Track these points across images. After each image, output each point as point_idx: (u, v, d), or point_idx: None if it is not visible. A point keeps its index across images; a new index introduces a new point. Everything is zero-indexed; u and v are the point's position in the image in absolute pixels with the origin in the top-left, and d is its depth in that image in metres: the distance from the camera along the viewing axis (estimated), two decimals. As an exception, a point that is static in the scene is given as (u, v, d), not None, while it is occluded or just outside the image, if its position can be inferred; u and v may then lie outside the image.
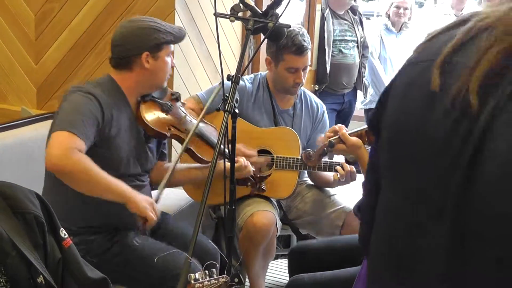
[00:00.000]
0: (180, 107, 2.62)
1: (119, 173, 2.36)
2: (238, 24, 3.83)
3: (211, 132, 2.70)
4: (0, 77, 3.94)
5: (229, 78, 2.14)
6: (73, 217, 2.38)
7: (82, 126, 2.21)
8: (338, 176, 2.83)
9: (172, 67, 2.50)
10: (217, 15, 2.25)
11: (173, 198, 3.26)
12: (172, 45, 2.46)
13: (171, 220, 2.79)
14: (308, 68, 3.06)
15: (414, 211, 0.87)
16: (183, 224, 2.80)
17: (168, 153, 2.86)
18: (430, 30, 0.92)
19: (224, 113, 2.09)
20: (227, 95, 2.12)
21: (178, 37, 2.46)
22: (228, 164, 2.25)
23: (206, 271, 1.69)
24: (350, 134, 2.30)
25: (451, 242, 0.81)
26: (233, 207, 2.21)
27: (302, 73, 2.98)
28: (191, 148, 2.57)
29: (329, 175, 3.03)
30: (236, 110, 2.14)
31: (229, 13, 2.30)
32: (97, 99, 2.30)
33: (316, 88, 4.45)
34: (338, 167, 2.81)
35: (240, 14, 2.30)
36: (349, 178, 2.83)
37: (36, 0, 3.68)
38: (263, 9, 2.27)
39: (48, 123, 2.48)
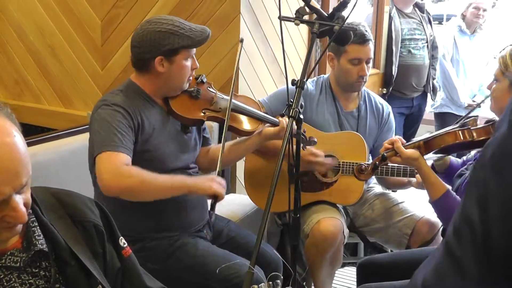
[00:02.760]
0: (208, 88, 2.58)
1: (167, 170, 2.37)
2: (304, 27, 3.77)
3: (245, 102, 2.65)
4: (67, 82, 4.03)
5: (293, 83, 2.08)
6: (134, 223, 2.39)
7: (119, 139, 2.23)
8: (417, 183, 2.72)
9: (194, 69, 2.43)
10: (281, 18, 2.19)
11: (238, 204, 3.24)
12: (193, 49, 2.39)
13: (234, 227, 2.76)
14: (371, 62, 2.99)
15: None
16: (247, 232, 2.76)
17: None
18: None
19: (289, 119, 2.03)
20: (292, 100, 2.06)
21: (197, 41, 2.36)
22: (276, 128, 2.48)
23: (270, 282, 1.63)
24: (406, 146, 2.23)
25: None
26: (298, 215, 2.15)
27: (365, 66, 2.92)
28: (232, 124, 2.54)
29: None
30: (301, 116, 2.09)
31: (294, 16, 2.23)
32: (122, 107, 2.30)
33: (384, 92, 4.34)
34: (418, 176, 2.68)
35: (305, 17, 2.23)
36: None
37: (102, 6, 3.74)
38: (329, 12, 2.21)
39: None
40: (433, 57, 4.67)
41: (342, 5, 2.18)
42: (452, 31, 5.05)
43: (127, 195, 2.21)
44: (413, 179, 2.77)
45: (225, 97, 2.57)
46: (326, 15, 2.20)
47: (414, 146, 2.22)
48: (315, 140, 2.67)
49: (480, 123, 2.18)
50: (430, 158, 2.43)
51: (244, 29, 3.37)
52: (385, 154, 2.24)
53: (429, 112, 5.17)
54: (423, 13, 4.65)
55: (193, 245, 2.46)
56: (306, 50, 3.92)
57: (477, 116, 2.29)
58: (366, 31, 2.90)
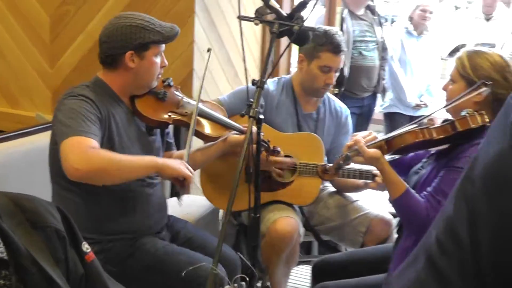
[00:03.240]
0: (175, 92, 2.56)
1: None
2: (258, 28, 3.76)
3: (212, 109, 2.65)
4: (13, 82, 3.89)
5: (253, 83, 2.08)
6: (94, 227, 2.35)
7: (85, 125, 2.19)
8: (375, 184, 2.69)
9: (163, 67, 2.42)
10: (241, 18, 2.19)
11: (194, 205, 3.21)
12: (162, 45, 2.39)
13: (192, 228, 2.75)
14: (338, 72, 3.01)
15: None
16: (204, 233, 2.75)
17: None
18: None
19: (249, 119, 2.02)
20: (252, 100, 2.05)
21: (167, 37, 2.37)
22: (241, 136, 2.45)
23: (236, 284, 1.62)
24: (369, 146, 2.24)
25: None
26: (258, 215, 2.15)
27: (333, 74, 2.94)
28: (197, 129, 2.53)
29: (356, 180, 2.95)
30: (261, 116, 2.08)
31: (253, 16, 2.22)
32: (89, 98, 2.28)
33: (336, 92, 4.37)
34: (378, 178, 2.65)
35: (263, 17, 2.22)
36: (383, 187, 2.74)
37: (50, 2, 3.63)
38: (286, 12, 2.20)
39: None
40: (383, 59, 4.74)
41: (302, 6, 2.18)
42: (399, 32, 5.14)
43: (95, 177, 2.15)
44: (370, 181, 2.79)
45: (191, 102, 2.56)
46: (285, 15, 2.19)
47: (376, 146, 2.24)
48: (279, 149, 2.67)
49: (436, 123, 2.22)
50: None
51: (199, 29, 3.33)
52: (348, 154, 2.25)
53: (378, 112, 5.25)
54: (374, 15, 4.71)
55: (152, 245, 2.43)
56: (260, 50, 3.91)
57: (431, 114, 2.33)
58: (342, 41, 2.91)
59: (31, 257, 1.37)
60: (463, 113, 2.10)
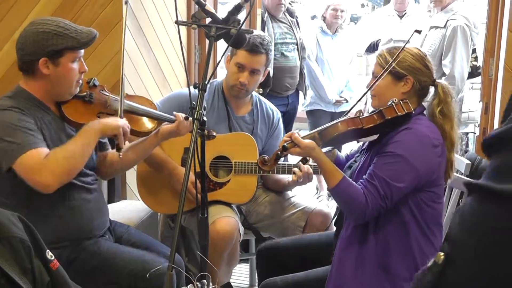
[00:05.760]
0: (101, 91, 2.53)
1: None
2: (183, 32, 3.79)
3: (139, 102, 2.60)
4: None
5: (195, 86, 2.12)
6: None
7: (29, 136, 2.21)
8: (296, 177, 2.80)
9: (82, 72, 2.40)
10: (178, 23, 2.22)
11: (131, 210, 3.22)
12: (80, 50, 2.37)
13: (135, 233, 2.76)
14: (258, 76, 3.03)
15: None
16: (146, 236, 2.77)
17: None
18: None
19: (193, 122, 2.07)
20: (194, 103, 2.10)
21: (83, 43, 2.34)
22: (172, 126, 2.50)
23: (198, 283, 1.66)
24: (303, 137, 2.33)
25: None
26: (206, 215, 2.19)
27: (248, 74, 2.98)
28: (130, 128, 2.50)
29: (285, 178, 3.05)
30: (205, 118, 2.13)
31: (191, 20, 2.26)
32: (19, 108, 2.27)
33: (261, 92, 4.47)
34: (295, 169, 2.77)
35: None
36: (306, 178, 2.80)
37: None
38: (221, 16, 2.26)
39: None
40: (303, 58, 4.88)
41: (237, 9, 2.24)
42: (314, 32, 5.29)
43: (66, 179, 2.24)
44: (289, 178, 2.89)
45: (119, 99, 2.50)
46: (221, 19, 2.25)
47: (310, 137, 2.32)
48: (214, 134, 2.67)
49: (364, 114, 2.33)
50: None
51: (127, 34, 3.33)
52: (285, 145, 2.32)
53: (301, 110, 5.38)
54: (293, 17, 4.84)
55: (96, 246, 2.45)
56: (186, 54, 3.93)
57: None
58: (261, 43, 2.93)
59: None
60: (389, 103, 2.23)
